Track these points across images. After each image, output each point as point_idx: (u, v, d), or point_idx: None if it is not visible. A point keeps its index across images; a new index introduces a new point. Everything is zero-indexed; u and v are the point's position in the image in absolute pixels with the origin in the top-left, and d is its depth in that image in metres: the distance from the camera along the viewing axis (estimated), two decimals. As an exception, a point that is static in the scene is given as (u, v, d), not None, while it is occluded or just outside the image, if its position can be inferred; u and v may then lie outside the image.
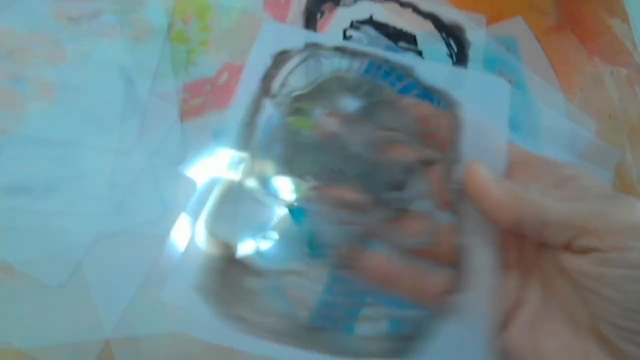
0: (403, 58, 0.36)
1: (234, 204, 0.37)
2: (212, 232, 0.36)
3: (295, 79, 0.38)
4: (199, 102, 0.43)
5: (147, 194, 0.39)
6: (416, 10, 0.47)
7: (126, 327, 0.36)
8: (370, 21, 0.46)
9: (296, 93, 0.38)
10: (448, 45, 0.47)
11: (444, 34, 0.47)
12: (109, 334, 0.36)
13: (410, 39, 0.46)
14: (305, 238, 0.38)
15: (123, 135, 0.40)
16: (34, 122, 0.40)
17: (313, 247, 0.37)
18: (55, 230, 0.38)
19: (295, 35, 0.38)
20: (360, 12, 0.47)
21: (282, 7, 0.45)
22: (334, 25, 0.46)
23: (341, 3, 0.47)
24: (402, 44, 0.46)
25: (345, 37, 0.46)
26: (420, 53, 0.46)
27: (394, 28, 0.46)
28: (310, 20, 0.46)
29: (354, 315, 0.37)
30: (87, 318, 0.36)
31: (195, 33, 0.45)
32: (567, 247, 0.27)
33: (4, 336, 0.35)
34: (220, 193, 0.37)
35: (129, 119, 0.41)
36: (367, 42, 0.45)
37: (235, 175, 0.38)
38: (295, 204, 0.37)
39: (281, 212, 0.38)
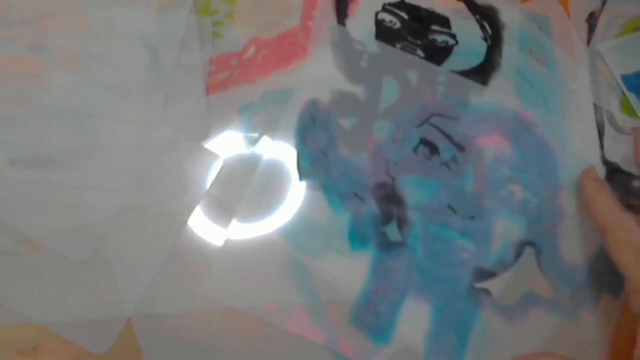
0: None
1: (267, 187, 0.39)
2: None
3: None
4: (224, 76, 0.42)
5: (171, 169, 0.39)
6: None
7: (148, 304, 0.36)
8: (402, 4, 0.45)
9: None
10: (482, 28, 0.46)
11: (477, 16, 0.46)
12: (130, 311, 0.36)
13: (444, 22, 0.45)
14: (346, 229, 0.39)
15: (148, 107, 0.40)
16: (56, 92, 0.39)
17: (354, 239, 0.38)
18: (78, 204, 0.37)
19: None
20: None
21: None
22: (364, 7, 0.45)
23: None
24: (435, 27, 0.45)
25: (377, 20, 0.45)
26: (454, 36, 0.45)
27: (427, 11, 0.45)
28: (341, 3, 0.45)
29: (396, 309, 0.38)
30: (108, 294, 0.36)
31: (221, 5, 0.44)
32: None
33: (24, 310, 0.35)
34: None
35: (154, 91, 0.40)
36: (400, 26, 0.45)
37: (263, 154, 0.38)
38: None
39: (318, 199, 0.39)
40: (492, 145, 0.42)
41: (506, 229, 0.40)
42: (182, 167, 0.39)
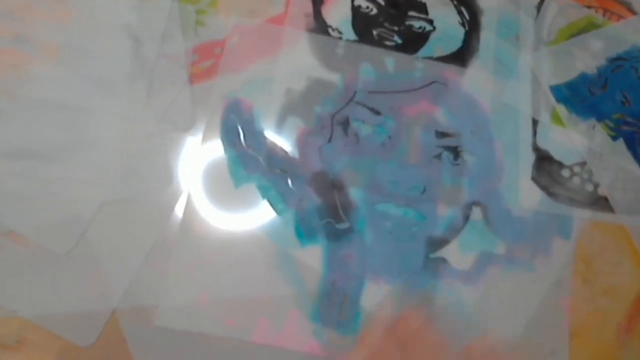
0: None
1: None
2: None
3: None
4: (208, 65, 0.42)
5: (155, 161, 0.39)
6: None
7: (133, 297, 0.36)
8: None
9: None
10: (460, 13, 0.46)
11: (455, 2, 0.46)
12: (115, 303, 0.36)
13: (421, 8, 0.45)
14: (292, 226, 0.39)
15: (131, 98, 0.40)
16: (37, 84, 0.39)
17: (301, 235, 0.38)
18: (62, 197, 0.37)
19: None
20: None
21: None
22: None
23: None
24: (412, 12, 0.45)
25: (353, 6, 0.45)
26: (431, 22, 0.45)
27: None
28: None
29: (358, 296, 0.38)
30: (93, 287, 0.36)
31: (204, -8, 0.44)
32: None
33: (9, 304, 0.35)
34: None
35: (136, 81, 0.40)
36: (377, 12, 0.45)
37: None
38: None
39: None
40: (421, 113, 0.42)
41: (450, 193, 0.41)
42: (167, 158, 0.39)
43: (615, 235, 0.41)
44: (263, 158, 0.40)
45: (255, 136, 0.40)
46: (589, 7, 0.48)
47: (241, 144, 0.40)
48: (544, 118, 0.44)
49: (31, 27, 0.41)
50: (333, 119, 0.41)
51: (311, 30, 0.44)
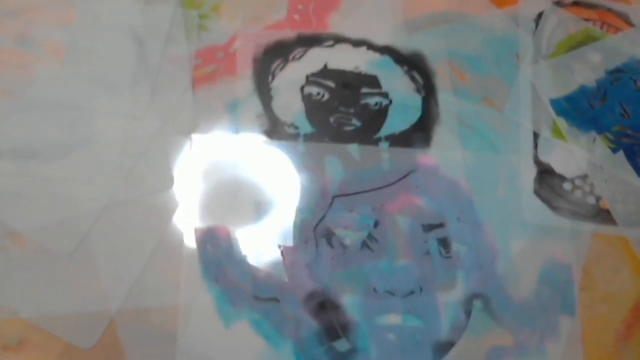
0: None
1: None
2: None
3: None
4: (210, 70, 0.43)
5: (157, 162, 0.39)
6: (370, 47, 0.45)
7: (134, 299, 0.36)
8: (325, 71, 0.43)
9: None
10: (412, 79, 0.44)
11: (405, 67, 0.44)
12: (116, 305, 0.36)
13: (373, 82, 0.43)
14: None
15: (135, 100, 0.40)
16: (42, 84, 0.39)
17: None
18: (63, 197, 0.37)
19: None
20: (313, 63, 0.44)
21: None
22: (290, 85, 0.43)
23: (290, 58, 0.44)
24: (365, 89, 0.43)
25: (303, 96, 0.43)
26: (386, 95, 0.43)
27: (353, 73, 0.44)
28: (262, 85, 0.43)
29: None
30: (94, 288, 0.36)
31: (207, -3, 0.44)
32: None
33: (11, 304, 0.35)
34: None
35: (140, 83, 0.40)
36: (329, 97, 0.43)
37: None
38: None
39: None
40: (403, 208, 0.40)
41: (448, 290, 0.39)
42: (169, 160, 0.39)
43: (614, 244, 0.41)
44: (250, 288, 0.37)
45: (238, 265, 0.38)
46: (587, 19, 0.48)
47: (224, 277, 0.37)
48: (545, 131, 0.44)
49: (36, 27, 0.41)
50: (315, 231, 0.39)
51: (266, 132, 0.41)
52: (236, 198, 0.39)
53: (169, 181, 0.39)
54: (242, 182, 0.40)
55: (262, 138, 0.41)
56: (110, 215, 0.37)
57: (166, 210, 0.38)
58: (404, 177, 0.41)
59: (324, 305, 0.37)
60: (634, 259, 0.41)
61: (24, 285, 0.35)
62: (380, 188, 0.40)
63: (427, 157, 0.42)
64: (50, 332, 0.35)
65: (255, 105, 0.42)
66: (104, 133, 0.39)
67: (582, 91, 0.45)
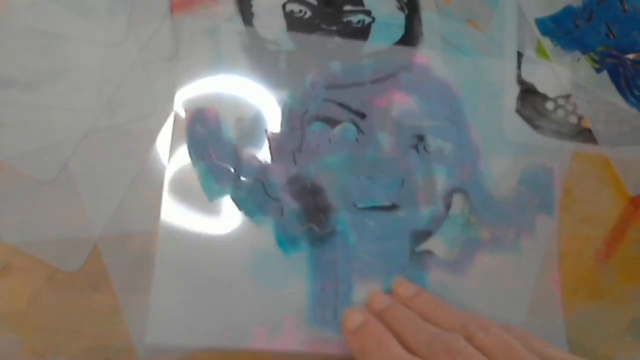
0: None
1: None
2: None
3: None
4: (189, -6, 0.42)
5: (137, 89, 0.39)
6: None
7: (117, 224, 0.37)
8: None
9: None
10: None
11: None
12: (99, 230, 0.36)
13: (356, 0, 0.43)
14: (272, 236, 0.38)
15: (112, 26, 0.39)
16: (19, 11, 0.39)
17: (283, 244, 0.38)
18: (43, 125, 0.37)
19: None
20: None
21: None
22: (272, 2, 0.42)
23: None
24: (347, 7, 0.43)
25: (285, 13, 0.42)
26: (369, 13, 0.43)
27: None
28: (244, 3, 0.42)
29: (348, 298, 0.38)
30: (77, 214, 0.36)
31: None
32: None
33: (-6, 230, 0.35)
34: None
35: (117, 9, 0.40)
36: (311, 14, 0.42)
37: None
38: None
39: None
40: (392, 104, 0.41)
41: (430, 183, 0.40)
42: (150, 86, 0.39)
43: (595, 165, 0.42)
44: (234, 169, 0.38)
45: (224, 147, 0.39)
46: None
47: (210, 156, 0.38)
48: (529, 51, 0.44)
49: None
50: (302, 119, 0.40)
51: (246, 48, 0.41)
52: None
53: (150, 108, 0.39)
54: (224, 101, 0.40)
55: (244, 55, 0.41)
56: (91, 142, 0.38)
57: (147, 137, 0.38)
58: (395, 74, 0.42)
59: (306, 190, 0.39)
60: (614, 179, 0.42)
61: (6, 211, 0.36)
62: (372, 82, 0.41)
63: (420, 57, 0.42)
64: (35, 256, 0.35)
65: (236, 26, 0.41)
66: (82, 60, 0.39)
67: (568, 10, 0.45)
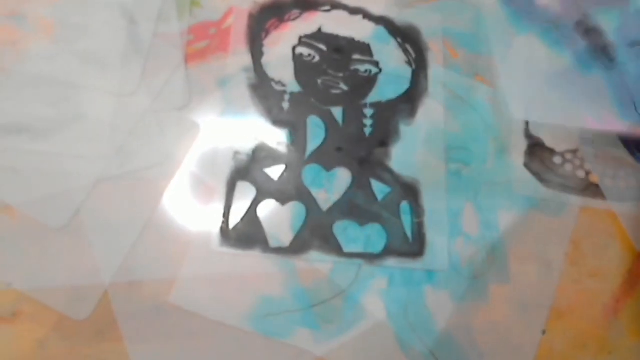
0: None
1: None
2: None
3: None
4: (203, 45, 0.43)
5: (149, 138, 0.40)
6: (367, 15, 0.46)
7: (127, 273, 0.37)
8: (319, 34, 0.45)
9: None
10: (405, 52, 0.45)
11: (399, 40, 0.45)
12: (109, 278, 0.37)
13: (365, 50, 0.45)
14: None
15: (125, 77, 0.41)
16: (33, 60, 0.40)
17: None
18: (55, 172, 0.38)
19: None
20: (308, 25, 0.45)
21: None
22: (282, 44, 0.44)
23: (286, 18, 0.45)
24: (356, 56, 0.44)
25: (294, 55, 0.44)
26: (377, 64, 0.44)
27: (346, 39, 0.45)
28: (256, 42, 0.44)
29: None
30: (87, 262, 0.37)
31: (200, -26, 0.45)
32: None
33: (5, 277, 0.36)
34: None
35: (131, 60, 0.41)
36: (319, 60, 0.44)
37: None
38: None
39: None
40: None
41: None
42: (161, 136, 0.40)
43: (603, 219, 0.42)
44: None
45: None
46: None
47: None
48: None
49: (28, 4, 0.41)
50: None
51: (252, 87, 0.43)
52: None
53: (160, 157, 0.40)
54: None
55: (249, 93, 0.42)
56: (102, 190, 0.38)
57: (158, 185, 0.39)
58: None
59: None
60: (622, 234, 0.42)
61: (17, 258, 0.36)
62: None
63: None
64: (44, 303, 0.36)
65: (247, 73, 0.43)
66: (94, 109, 0.40)
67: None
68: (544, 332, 0.39)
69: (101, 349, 0.35)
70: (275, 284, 0.38)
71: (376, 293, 0.38)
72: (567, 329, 0.39)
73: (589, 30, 0.47)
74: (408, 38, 0.45)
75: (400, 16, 0.46)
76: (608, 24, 0.47)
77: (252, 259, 0.38)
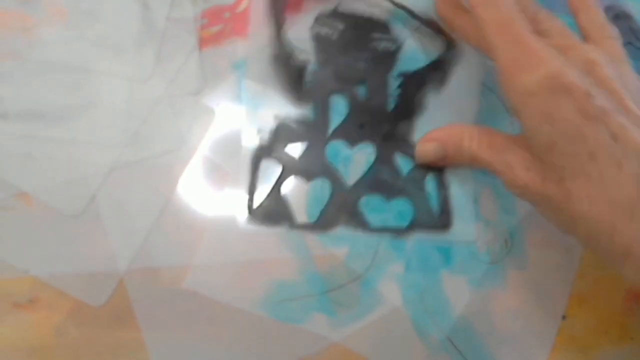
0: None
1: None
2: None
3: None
4: (217, 30, 0.43)
5: (164, 124, 0.40)
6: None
7: (143, 259, 0.37)
8: (335, 13, 0.44)
9: None
10: (429, 33, 0.45)
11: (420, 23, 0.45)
12: (125, 265, 0.37)
13: (384, 28, 0.44)
14: None
15: (139, 62, 0.41)
16: (46, 47, 0.40)
17: None
18: (70, 159, 0.38)
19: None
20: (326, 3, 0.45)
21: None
22: (299, 23, 0.44)
23: None
24: (375, 34, 0.44)
25: (312, 34, 0.44)
26: (395, 41, 0.44)
27: (362, 17, 0.44)
28: (278, 14, 0.43)
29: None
30: (103, 248, 0.37)
31: (213, -43, 0.45)
32: None
33: (22, 264, 0.36)
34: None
35: (145, 45, 0.41)
36: (337, 37, 0.44)
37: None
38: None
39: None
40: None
41: None
42: (176, 121, 0.40)
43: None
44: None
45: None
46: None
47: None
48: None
49: (40, -11, 0.42)
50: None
51: (275, 56, 0.43)
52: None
53: (175, 142, 0.40)
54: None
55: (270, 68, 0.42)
56: (117, 177, 0.39)
57: (173, 171, 0.39)
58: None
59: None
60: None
61: (33, 244, 0.37)
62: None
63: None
64: (61, 290, 0.36)
65: (267, 52, 0.43)
66: (108, 96, 0.40)
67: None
68: (564, 318, 0.39)
69: (118, 335, 0.36)
70: (291, 269, 0.37)
71: (393, 278, 0.38)
72: (587, 315, 0.39)
73: (618, 15, 0.46)
74: (429, 24, 0.45)
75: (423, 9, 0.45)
76: (638, 9, 0.47)
77: (267, 244, 0.38)
